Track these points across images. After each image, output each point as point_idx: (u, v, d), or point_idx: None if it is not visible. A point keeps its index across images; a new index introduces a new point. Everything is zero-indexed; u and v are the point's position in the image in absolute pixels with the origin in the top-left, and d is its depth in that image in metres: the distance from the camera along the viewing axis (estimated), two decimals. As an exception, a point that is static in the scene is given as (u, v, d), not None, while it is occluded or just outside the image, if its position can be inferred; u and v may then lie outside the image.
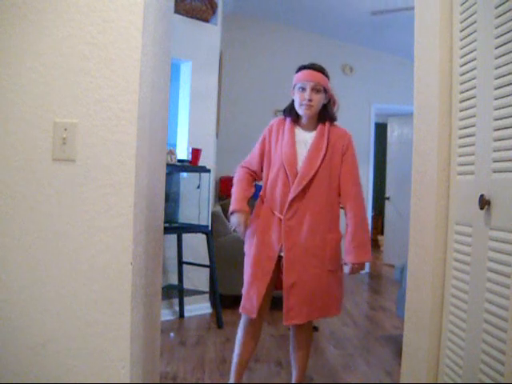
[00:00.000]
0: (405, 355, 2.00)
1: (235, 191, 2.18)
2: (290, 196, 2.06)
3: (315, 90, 2.08)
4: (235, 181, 2.22)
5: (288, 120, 2.19)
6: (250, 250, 2.15)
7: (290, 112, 2.18)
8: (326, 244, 2.10)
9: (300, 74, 2.12)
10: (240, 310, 2.15)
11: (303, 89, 2.09)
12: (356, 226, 2.10)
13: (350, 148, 2.17)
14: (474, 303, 1.57)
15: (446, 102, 1.80)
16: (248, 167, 2.23)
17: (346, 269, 2.13)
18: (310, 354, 3.03)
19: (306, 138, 2.14)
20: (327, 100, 2.17)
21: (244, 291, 2.13)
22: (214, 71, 4.09)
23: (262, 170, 2.21)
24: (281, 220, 2.08)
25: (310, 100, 2.07)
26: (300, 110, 2.12)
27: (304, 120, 2.16)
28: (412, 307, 1.96)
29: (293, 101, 2.16)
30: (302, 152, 2.11)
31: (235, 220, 2.12)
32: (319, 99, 2.11)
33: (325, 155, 2.09)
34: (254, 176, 2.24)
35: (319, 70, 2.12)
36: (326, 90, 2.13)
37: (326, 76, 2.14)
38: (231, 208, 2.14)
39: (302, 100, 2.09)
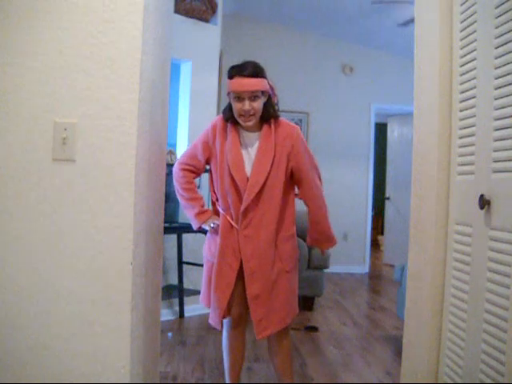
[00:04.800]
0: (405, 355, 2.00)
1: (191, 204, 2.08)
2: (243, 206, 1.95)
3: (253, 97, 1.91)
4: (183, 188, 2.08)
5: (230, 122, 2.02)
6: (209, 256, 2.09)
7: (230, 116, 2.00)
8: (283, 244, 2.03)
9: (234, 82, 1.92)
10: (209, 320, 2.08)
11: (239, 98, 1.91)
12: (318, 217, 2.10)
13: (299, 143, 2.01)
14: (473, 303, 1.57)
15: (446, 102, 1.80)
16: (189, 168, 2.08)
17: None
18: (310, 354, 3.04)
19: (251, 141, 2.01)
20: (266, 98, 1.98)
21: (211, 303, 2.05)
22: (213, 71, 4.09)
23: (207, 162, 2.09)
24: (237, 230, 1.98)
25: (249, 110, 1.91)
26: (240, 120, 1.95)
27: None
28: (412, 307, 1.96)
29: (230, 105, 2.00)
30: (250, 155, 1.99)
31: (211, 225, 2.07)
32: (259, 106, 1.93)
33: (273, 157, 1.96)
34: (197, 173, 2.12)
35: (253, 74, 1.91)
36: (264, 92, 1.95)
37: (262, 75, 1.94)
38: (199, 223, 2.08)
39: (240, 111, 1.92)
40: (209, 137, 2.05)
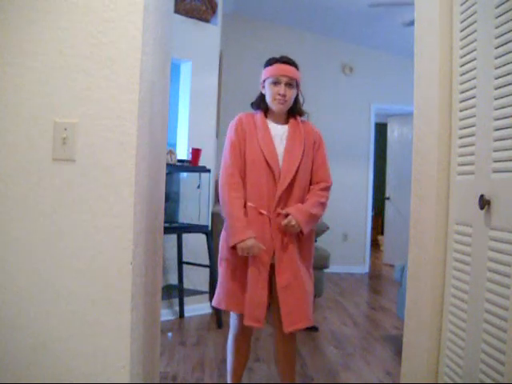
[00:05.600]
0: (405, 355, 2.00)
1: (237, 215, 1.95)
2: (278, 192, 1.99)
3: (289, 84, 2.02)
4: (232, 197, 1.97)
5: (259, 114, 2.10)
6: (229, 255, 2.03)
7: (260, 106, 2.11)
8: (307, 238, 2.09)
9: (273, 67, 2.04)
10: (245, 322, 1.99)
11: (276, 83, 2.02)
12: (317, 199, 2.07)
13: (322, 142, 2.16)
14: (473, 303, 1.57)
15: (446, 102, 1.80)
16: (237, 174, 2.01)
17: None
18: (310, 354, 3.05)
19: (279, 132, 2.08)
20: (296, 93, 2.11)
21: (247, 300, 1.98)
22: (213, 71, 4.09)
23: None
24: (270, 219, 2.00)
25: (284, 95, 2.02)
26: (273, 105, 2.05)
27: (275, 114, 2.10)
28: (412, 307, 1.96)
29: (261, 95, 2.10)
30: (279, 146, 2.05)
31: (252, 247, 1.92)
32: (292, 94, 2.05)
33: (303, 149, 2.06)
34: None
35: (292, 63, 2.06)
36: (297, 85, 2.08)
37: (298, 69, 2.08)
38: (242, 236, 1.92)
39: (275, 95, 2.02)
40: (238, 132, 2.07)
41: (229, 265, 2.05)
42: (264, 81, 2.08)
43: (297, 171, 2.02)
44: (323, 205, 2.10)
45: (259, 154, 2.01)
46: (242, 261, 2.01)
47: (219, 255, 2.11)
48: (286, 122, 2.12)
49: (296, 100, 2.11)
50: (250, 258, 1.98)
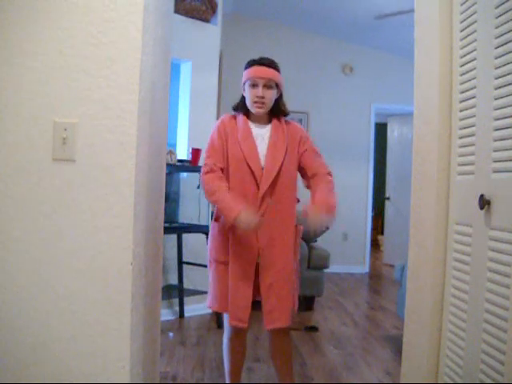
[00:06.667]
0: (405, 355, 2.00)
1: (225, 199, 1.93)
2: (261, 192, 1.98)
3: (267, 86, 2.00)
4: (216, 184, 1.96)
5: (240, 116, 2.08)
6: (216, 256, 2.04)
7: (241, 109, 2.09)
8: (292, 237, 2.07)
9: (251, 70, 2.02)
10: (229, 323, 2.02)
11: (254, 85, 2.00)
12: (329, 189, 2.03)
13: (308, 138, 2.14)
14: (473, 303, 1.57)
15: (446, 102, 1.80)
16: (216, 169, 2.00)
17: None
18: (310, 354, 3.04)
19: (261, 133, 2.06)
20: (279, 94, 2.09)
21: (230, 300, 1.99)
22: (213, 71, 4.09)
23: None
24: None
25: (262, 97, 2.00)
26: (252, 108, 2.03)
27: (256, 116, 2.07)
28: (412, 307, 1.96)
29: (243, 97, 2.08)
30: (261, 147, 2.03)
31: (247, 217, 1.87)
32: (271, 95, 2.03)
33: (286, 148, 2.03)
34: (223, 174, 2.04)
35: (270, 65, 2.03)
36: (277, 85, 2.05)
37: (278, 70, 2.06)
38: (236, 213, 1.86)
39: (253, 97, 2.01)
40: (220, 132, 2.06)
41: (218, 266, 2.06)
42: (244, 83, 2.06)
43: (279, 171, 2.00)
44: (333, 190, 2.06)
45: (240, 155, 2.00)
46: (231, 261, 2.01)
47: (208, 257, 2.12)
48: (269, 123, 2.10)
49: (278, 102, 2.09)
50: (235, 257, 1.98)
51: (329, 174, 2.11)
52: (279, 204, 2.02)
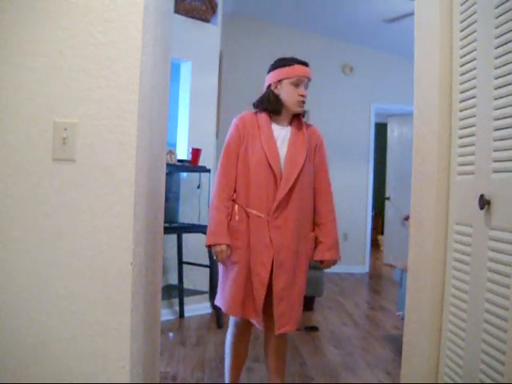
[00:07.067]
0: (405, 355, 2.00)
1: (219, 221, 1.99)
2: (279, 195, 1.97)
3: (306, 85, 2.07)
4: (220, 205, 2.01)
5: (262, 115, 2.07)
6: (236, 257, 2.02)
7: (266, 106, 2.07)
8: (307, 242, 2.08)
9: (293, 68, 2.03)
10: (258, 325, 2.03)
11: (298, 85, 2.03)
12: (333, 223, 2.10)
13: (323, 146, 2.16)
14: (473, 303, 1.57)
15: (446, 102, 1.80)
16: (229, 194, 2.02)
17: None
18: (310, 354, 3.04)
19: (282, 134, 2.07)
20: None
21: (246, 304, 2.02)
22: (213, 71, 4.09)
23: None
24: (268, 221, 1.98)
25: (305, 96, 2.06)
26: (294, 107, 2.05)
27: (281, 116, 2.08)
28: (412, 307, 1.96)
29: (268, 94, 2.06)
30: (281, 149, 2.04)
31: (221, 253, 1.98)
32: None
33: (306, 153, 2.05)
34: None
35: (308, 65, 2.09)
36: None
37: None
38: (217, 240, 1.97)
39: (298, 96, 2.03)
40: (239, 131, 2.06)
41: (231, 266, 2.04)
42: (279, 81, 2.04)
43: (298, 175, 2.01)
44: (332, 214, 2.14)
45: (262, 157, 2.00)
46: (243, 263, 2.00)
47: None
48: (289, 124, 2.11)
49: None
50: (248, 259, 1.99)
51: (329, 187, 2.14)
52: (295, 209, 2.01)
